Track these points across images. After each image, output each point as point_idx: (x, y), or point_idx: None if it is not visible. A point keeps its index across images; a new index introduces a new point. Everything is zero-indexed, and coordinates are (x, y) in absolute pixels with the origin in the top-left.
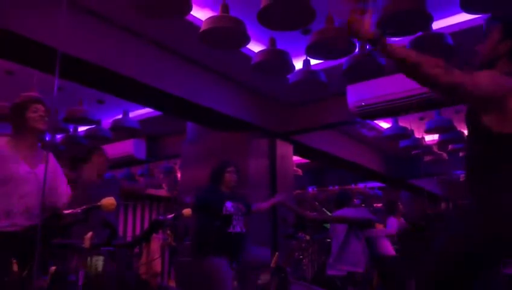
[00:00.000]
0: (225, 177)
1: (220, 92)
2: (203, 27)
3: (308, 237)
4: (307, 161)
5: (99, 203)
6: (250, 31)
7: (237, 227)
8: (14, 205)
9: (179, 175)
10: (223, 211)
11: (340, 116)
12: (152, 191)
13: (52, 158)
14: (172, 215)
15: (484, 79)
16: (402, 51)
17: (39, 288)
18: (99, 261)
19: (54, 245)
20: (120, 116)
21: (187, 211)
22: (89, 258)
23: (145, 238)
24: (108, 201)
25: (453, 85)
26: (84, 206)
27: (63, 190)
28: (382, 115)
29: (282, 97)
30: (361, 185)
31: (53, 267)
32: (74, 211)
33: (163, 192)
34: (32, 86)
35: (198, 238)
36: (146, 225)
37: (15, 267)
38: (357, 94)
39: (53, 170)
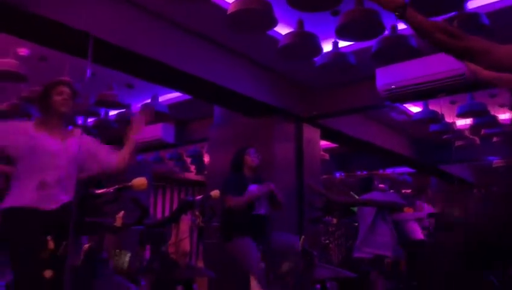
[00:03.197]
0: (246, 160)
1: (246, 76)
2: (230, 9)
3: (335, 221)
4: (335, 145)
5: (130, 183)
6: (277, 13)
7: (261, 209)
8: (48, 176)
9: (206, 159)
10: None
11: (369, 99)
12: (180, 175)
13: (81, 133)
14: (201, 196)
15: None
16: (426, 22)
17: (73, 265)
18: (126, 257)
19: (87, 223)
20: (149, 101)
21: (215, 193)
22: (117, 251)
23: (174, 218)
24: (139, 181)
25: (468, 50)
26: (116, 186)
27: (106, 156)
28: (412, 99)
29: (310, 81)
30: (389, 171)
31: (86, 245)
32: (106, 190)
33: (191, 175)
34: (65, 72)
35: (225, 221)
36: (174, 207)
37: (51, 245)
38: (387, 77)
39: (86, 143)
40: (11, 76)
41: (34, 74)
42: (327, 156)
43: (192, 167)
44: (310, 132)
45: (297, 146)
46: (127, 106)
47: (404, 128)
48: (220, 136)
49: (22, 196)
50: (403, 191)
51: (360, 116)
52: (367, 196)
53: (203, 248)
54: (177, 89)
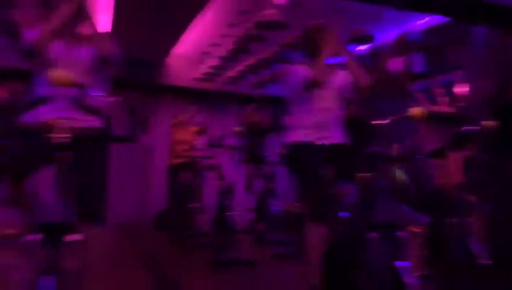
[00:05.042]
0: None
1: None
2: None
3: None
4: None
5: (408, 114)
6: None
7: None
8: (320, 116)
9: (457, 89)
10: None
11: None
12: (432, 108)
13: (339, 70)
14: (474, 128)
15: None
16: None
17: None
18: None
19: (366, 154)
20: (399, 32)
21: (489, 124)
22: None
23: (448, 149)
24: (417, 110)
25: None
26: (394, 117)
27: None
28: None
29: None
30: None
31: (363, 175)
32: (381, 121)
33: (444, 108)
34: (320, 14)
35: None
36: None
37: (331, 173)
38: None
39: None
40: (272, 25)
41: (292, 21)
42: None
43: (444, 99)
44: None
45: None
46: (373, 40)
47: None
48: (481, 62)
49: (301, 133)
50: None
51: None
52: None
53: (473, 182)
54: (435, 13)
